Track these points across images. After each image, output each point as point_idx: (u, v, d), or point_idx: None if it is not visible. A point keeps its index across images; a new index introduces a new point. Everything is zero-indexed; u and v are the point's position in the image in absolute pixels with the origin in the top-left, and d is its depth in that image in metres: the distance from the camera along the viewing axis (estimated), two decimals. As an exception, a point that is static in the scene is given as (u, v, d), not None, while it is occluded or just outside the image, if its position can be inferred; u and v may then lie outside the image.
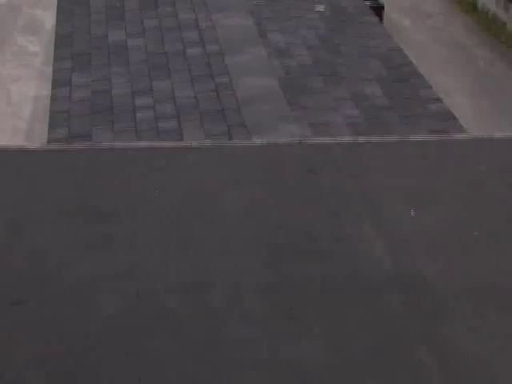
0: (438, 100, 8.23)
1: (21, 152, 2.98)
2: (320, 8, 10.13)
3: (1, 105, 16.94)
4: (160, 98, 7.60)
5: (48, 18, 20.26)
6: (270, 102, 7.46)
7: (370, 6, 14.21)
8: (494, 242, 2.65)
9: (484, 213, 2.76)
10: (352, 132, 7.21)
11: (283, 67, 8.29)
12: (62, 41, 8.99)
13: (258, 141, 3.53)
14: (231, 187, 3.09)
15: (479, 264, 2.59)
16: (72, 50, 8.68)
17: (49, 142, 6.88)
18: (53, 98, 7.85)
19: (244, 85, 7.67)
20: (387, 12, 21.23)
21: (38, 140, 13.32)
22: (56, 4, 10.08)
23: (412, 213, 2.74)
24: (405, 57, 9.29)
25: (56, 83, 8.13)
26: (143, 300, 2.39)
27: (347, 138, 4.04)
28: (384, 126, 7.50)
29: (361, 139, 3.40)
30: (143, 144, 3.21)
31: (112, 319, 2.30)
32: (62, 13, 9.67)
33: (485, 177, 2.90)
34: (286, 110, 7.32)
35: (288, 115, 7.25)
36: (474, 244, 2.69)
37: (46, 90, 12.49)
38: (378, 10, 19.80)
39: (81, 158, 2.92)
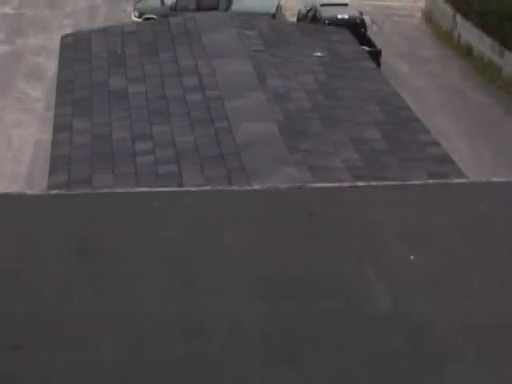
0: (437, 144, 8.30)
1: (20, 197, 2.98)
2: (318, 53, 10.28)
3: (1, 149, 17.05)
4: (160, 143, 7.65)
5: (50, 65, 20.55)
6: (269, 146, 7.51)
7: (368, 51, 14.44)
8: (494, 282, 2.64)
9: (484, 253, 2.76)
10: (351, 176, 7.24)
11: (282, 112, 8.36)
12: (64, 87, 9.09)
13: (257, 185, 3.55)
14: (230, 229, 3.08)
15: (480, 304, 2.57)
16: (73, 95, 8.77)
17: (49, 187, 6.90)
18: (53, 143, 7.90)
19: (243, 129, 7.73)
20: (384, 57, 21.57)
21: (38, 185, 13.38)
22: (58, 51, 10.21)
23: (412, 257, 2.74)
24: (402, 101, 9.39)
25: (57, 128, 8.20)
26: (141, 341, 2.37)
27: (347, 183, 4.06)
28: (383, 169, 7.54)
29: (360, 183, 3.42)
30: (143, 189, 3.23)
31: (109, 362, 2.28)
32: (64, 59, 9.79)
33: (484, 217, 2.90)
34: (286, 154, 7.36)
35: (287, 159, 7.28)
36: (474, 284, 2.67)
37: (47, 135, 12.59)
38: (376, 55, 20.13)
39: (81, 204, 2.92)
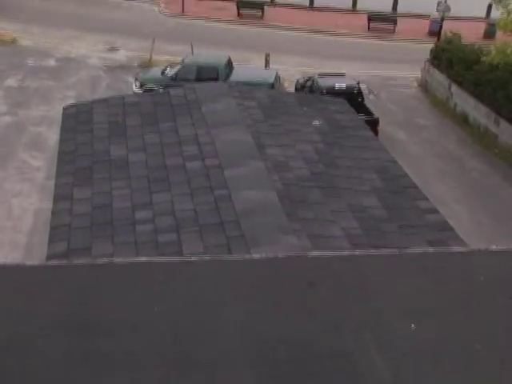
0: (435, 211, 8.32)
1: (19, 268, 2.97)
2: (316, 123, 10.42)
3: (1, 219, 17.08)
4: (160, 211, 7.67)
5: (51, 135, 20.82)
6: (268, 214, 7.52)
7: (365, 120, 14.65)
8: (496, 354, 2.61)
9: (485, 325, 2.73)
10: (351, 244, 7.23)
11: (281, 180, 8.41)
12: (65, 156, 9.17)
13: (257, 254, 3.54)
14: (231, 301, 3.07)
15: (481, 378, 2.53)
16: (74, 165, 8.84)
17: (48, 257, 6.88)
18: (53, 212, 7.91)
19: (243, 197, 7.76)
20: (382, 125, 21.86)
21: (38, 254, 13.33)
22: (60, 121, 10.36)
23: (412, 326, 2.71)
24: (401, 169, 9.46)
25: (57, 197, 8.23)
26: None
27: (346, 252, 4.06)
28: (382, 237, 7.53)
29: (359, 252, 3.42)
30: (142, 259, 3.22)
31: None
32: (66, 130, 9.92)
33: (484, 288, 2.89)
34: (285, 223, 7.36)
35: (287, 227, 7.29)
36: (475, 357, 2.64)
37: (47, 204, 12.63)
38: (373, 124, 20.42)
39: (80, 274, 2.91)
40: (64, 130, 9.97)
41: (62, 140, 9.67)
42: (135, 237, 7.26)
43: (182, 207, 7.71)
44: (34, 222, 16.73)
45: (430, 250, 3.55)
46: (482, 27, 34.56)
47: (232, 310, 2.89)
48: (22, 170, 19.61)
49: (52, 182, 8.93)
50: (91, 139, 9.40)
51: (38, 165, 19.79)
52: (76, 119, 10.08)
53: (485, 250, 3.32)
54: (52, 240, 7.38)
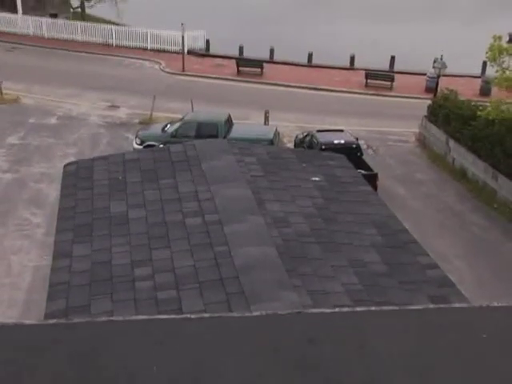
0: (436, 266, 8.29)
1: (17, 327, 2.95)
2: (316, 178, 10.47)
3: (0, 276, 16.99)
4: (159, 268, 7.64)
5: (52, 192, 20.92)
6: (268, 270, 7.50)
7: (364, 175, 14.73)
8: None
9: (488, 383, 2.70)
10: (351, 300, 7.18)
11: (281, 235, 8.41)
12: (65, 213, 9.19)
13: (256, 312, 3.52)
14: (230, 360, 3.03)
15: None
16: (74, 221, 8.85)
17: (46, 315, 6.83)
18: (53, 269, 7.88)
19: (243, 253, 7.74)
20: (381, 180, 21.98)
21: (36, 311, 13.21)
22: (61, 179, 10.42)
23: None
24: (400, 224, 9.47)
25: (57, 254, 8.21)
26: None
27: (346, 308, 4.03)
28: (383, 293, 7.49)
29: (360, 309, 3.39)
30: (141, 317, 3.20)
31: None
32: (66, 187, 9.97)
33: (486, 345, 2.86)
34: (285, 278, 7.33)
35: (287, 283, 7.25)
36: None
37: (47, 261, 12.60)
38: (372, 179, 20.54)
39: (78, 333, 2.89)
40: (64, 186, 10.02)
41: (63, 197, 9.71)
42: (134, 294, 7.21)
43: (181, 264, 7.68)
44: (32, 279, 16.65)
45: (431, 306, 3.53)
46: (477, 84, 35.10)
47: (232, 370, 2.85)
48: (21, 227, 19.62)
49: (52, 239, 8.92)
50: (91, 196, 9.43)
51: (38, 221, 19.81)
52: (76, 176, 10.14)
53: (486, 307, 3.29)
54: (51, 298, 7.33)
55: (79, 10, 45.73)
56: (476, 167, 23.97)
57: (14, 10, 44.77)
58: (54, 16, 44.53)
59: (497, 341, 2.84)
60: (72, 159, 21.83)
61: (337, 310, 3.58)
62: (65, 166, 10.87)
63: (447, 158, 26.16)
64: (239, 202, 8.98)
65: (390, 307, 3.53)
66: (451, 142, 25.72)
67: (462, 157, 24.98)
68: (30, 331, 2.87)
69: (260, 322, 3.41)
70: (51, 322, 2.85)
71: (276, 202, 9.37)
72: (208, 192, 9.20)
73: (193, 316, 3.35)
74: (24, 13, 44.38)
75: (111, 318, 3.36)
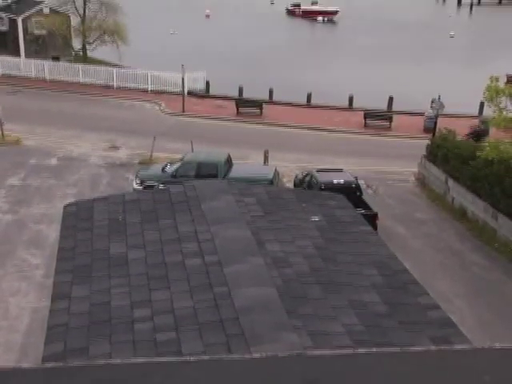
0: (437, 307, 8.23)
1: (14, 372, 2.92)
2: (315, 218, 10.47)
3: (-2, 318, 16.88)
4: (158, 309, 7.59)
5: (51, 233, 20.91)
6: (268, 311, 7.44)
7: (364, 215, 14.74)
8: None
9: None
10: (352, 341, 7.12)
11: (281, 276, 8.37)
12: (64, 254, 9.17)
13: (256, 354, 3.49)
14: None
15: None
16: (73, 263, 8.82)
17: (44, 359, 6.75)
18: (51, 311, 7.83)
19: (242, 294, 7.70)
20: (381, 219, 21.97)
21: (33, 354, 13.08)
22: (61, 219, 10.42)
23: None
24: (401, 264, 9.43)
25: (55, 296, 8.16)
26: None
27: (347, 350, 4.00)
28: (384, 334, 7.43)
29: (361, 350, 3.36)
30: (140, 360, 3.17)
31: None
32: (66, 228, 9.96)
33: (490, 388, 2.83)
34: (285, 319, 7.28)
35: (287, 324, 7.20)
36: None
37: (45, 303, 12.52)
38: (372, 218, 20.54)
39: (76, 376, 2.86)
40: (64, 227, 10.02)
41: (62, 237, 9.69)
42: (133, 336, 7.15)
43: (181, 305, 7.64)
44: (30, 321, 16.52)
45: (433, 348, 3.50)
46: (475, 124, 35.33)
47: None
48: (20, 268, 19.54)
49: (50, 280, 8.89)
50: (91, 237, 9.42)
51: (37, 262, 19.74)
52: (76, 217, 10.14)
53: (488, 348, 3.26)
54: (48, 340, 7.27)
55: (81, 52, 46.31)
56: (476, 206, 23.99)
57: (17, 54, 45.38)
58: (57, 59, 45.11)
59: (499, 383, 2.81)
60: (72, 200, 21.85)
61: (337, 351, 3.55)
62: (65, 206, 10.88)
63: (447, 197, 26.20)
64: (239, 242, 8.97)
65: (391, 348, 3.50)
66: (450, 182, 25.80)
67: (461, 196, 25.03)
68: (27, 376, 2.85)
69: (260, 365, 3.38)
70: (48, 366, 2.82)
71: (276, 242, 9.35)
72: (208, 232, 9.19)
73: (192, 359, 3.32)
74: (27, 56, 44.99)
75: (109, 361, 3.33)
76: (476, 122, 33.14)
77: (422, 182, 28.40)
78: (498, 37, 66.71)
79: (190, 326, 7.23)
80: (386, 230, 22.12)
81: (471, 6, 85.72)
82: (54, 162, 29.17)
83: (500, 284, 19.96)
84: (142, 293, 7.95)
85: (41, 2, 47.00)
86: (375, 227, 20.31)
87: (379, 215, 22.11)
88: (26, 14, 45.64)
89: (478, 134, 30.85)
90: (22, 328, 16.48)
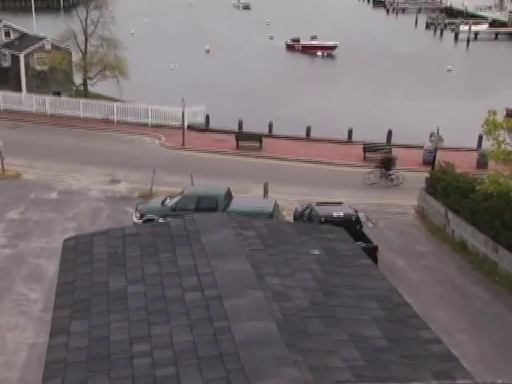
0: (439, 341, 8.17)
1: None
2: (315, 251, 10.45)
3: (-5, 353, 16.71)
4: (158, 344, 7.53)
5: (51, 267, 20.84)
6: (268, 345, 7.39)
7: (364, 248, 14.71)
8: None
9: None
10: (353, 375, 7.06)
11: (281, 310, 8.33)
12: (63, 288, 9.13)
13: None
14: None
15: None
16: (72, 297, 8.78)
17: (41, 396, 6.69)
18: (49, 347, 7.77)
19: (242, 328, 7.65)
20: (381, 252, 21.92)
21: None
22: (60, 253, 10.40)
23: None
24: (401, 297, 9.39)
25: (54, 331, 8.11)
26: None
27: (348, 384, 3.99)
28: (385, 368, 7.36)
29: (361, 385, 3.34)
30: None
31: None
32: (66, 262, 9.94)
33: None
34: (286, 354, 7.22)
35: (287, 359, 7.14)
36: None
37: (43, 338, 12.43)
38: (372, 251, 20.49)
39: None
40: (63, 261, 10.00)
41: (61, 272, 9.67)
42: (132, 371, 7.09)
43: (180, 339, 7.59)
44: (28, 356, 16.37)
45: (434, 382, 3.47)
46: (474, 157, 35.51)
47: None
48: (18, 303, 19.43)
49: (49, 315, 8.84)
50: (90, 271, 9.40)
51: (36, 297, 19.64)
52: (76, 251, 10.13)
53: (491, 383, 3.24)
54: (46, 376, 7.20)
55: (82, 87, 46.71)
56: (476, 239, 23.96)
57: (18, 89, 45.76)
58: (58, 94, 45.48)
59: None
60: (72, 233, 21.83)
61: (338, 387, 3.53)
62: (64, 240, 10.87)
63: (447, 230, 26.18)
64: (239, 276, 8.94)
65: (393, 383, 3.48)
66: (450, 215, 25.80)
67: (461, 229, 25.01)
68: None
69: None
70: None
71: (276, 275, 9.33)
72: (207, 266, 9.17)
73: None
74: (28, 91, 45.37)
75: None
76: (384, 152, 34.40)
77: (421, 214, 28.40)
78: (495, 71, 67.40)
79: (189, 361, 7.18)
80: (386, 263, 22.06)
81: (468, 40, 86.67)
82: (53, 195, 29.21)
83: (501, 317, 19.83)
84: (142, 327, 7.91)
85: (43, 39, 47.52)
86: (375, 260, 20.27)
87: (379, 248, 22.07)
88: (29, 50, 46.14)
89: (387, 162, 31.81)
90: (20, 363, 16.32)
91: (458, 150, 37.23)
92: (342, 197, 27.85)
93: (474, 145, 38.20)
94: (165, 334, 7.72)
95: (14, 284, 20.75)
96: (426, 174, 28.67)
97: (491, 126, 21.75)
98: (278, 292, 8.82)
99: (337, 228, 12.10)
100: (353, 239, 11.82)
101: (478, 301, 20.96)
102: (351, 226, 20.93)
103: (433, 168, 28.73)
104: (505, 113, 40.92)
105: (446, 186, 26.02)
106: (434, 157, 29.39)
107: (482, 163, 34.07)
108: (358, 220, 23.63)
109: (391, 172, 31.92)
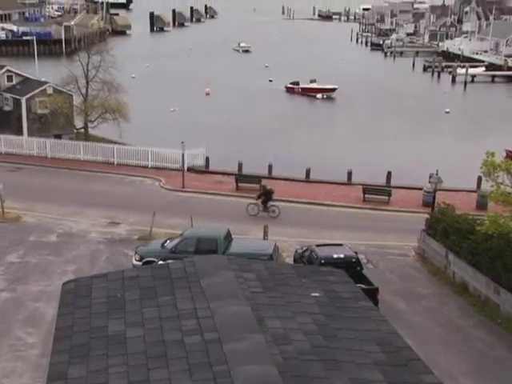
0: (441, 385, 8.07)
1: None
2: (315, 294, 10.40)
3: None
4: (157, 390, 7.44)
5: (49, 310, 20.64)
6: (269, 390, 7.30)
7: (364, 290, 14.60)
8: None
9: None
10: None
11: (282, 353, 8.25)
12: (61, 332, 9.05)
13: None
14: None
15: None
16: (71, 342, 8.70)
17: None
18: (47, 393, 7.67)
19: (242, 372, 7.56)
20: (381, 294, 21.75)
21: None
22: (59, 297, 10.33)
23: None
24: (403, 340, 9.30)
25: (51, 376, 8.01)
26: None
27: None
28: (388, 413, 7.25)
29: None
30: None
31: None
32: (64, 306, 9.87)
33: None
34: (286, 399, 7.13)
35: (288, 404, 7.04)
36: None
37: (40, 383, 12.24)
38: (373, 293, 20.34)
39: None
40: (62, 305, 9.93)
41: (60, 316, 9.59)
42: (130, 417, 6.98)
43: (179, 384, 7.48)
44: (25, 402, 16.10)
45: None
46: (473, 198, 35.51)
47: None
48: (15, 348, 19.19)
49: (47, 360, 8.73)
50: (89, 315, 9.33)
51: (33, 341, 19.41)
52: (75, 294, 10.07)
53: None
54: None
55: (83, 130, 47.00)
56: (477, 281, 23.81)
57: (19, 132, 46.02)
58: (58, 137, 45.72)
59: None
60: (71, 276, 21.69)
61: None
62: (63, 284, 10.82)
63: (447, 271, 26.04)
64: (239, 319, 8.87)
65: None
66: (451, 256, 25.69)
67: (462, 270, 24.87)
68: None
69: None
70: None
71: (276, 318, 9.25)
72: (207, 309, 9.11)
73: None
74: (29, 134, 45.60)
75: None
76: (264, 184, 34.97)
77: (422, 256, 28.29)
78: (493, 113, 67.94)
79: (188, 407, 7.07)
80: (387, 305, 21.88)
81: (465, 83, 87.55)
82: (53, 238, 29.13)
83: (505, 361, 19.58)
84: (140, 372, 7.81)
85: (45, 83, 47.99)
86: (376, 302, 20.11)
87: (380, 290, 21.92)
88: (30, 94, 46.55)
89: (266, 194, 32.49)
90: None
91: (457, 191, 37.26)
92: (341, 238, 27.78)
93: (474, 186, 38.25)
94: (164, 379, 7.63)
95: (11, 328, 20.53)
96: (426, 216, 28.65)
97: (490, 168, 21.82)
98: (278, 335, 8.74)
99: (337, 270, 12.05)
100: (353, 281, 11.76)
101: (481, 343, 20.72)
102: (351, 267, 20.82)
103: (432, 209, 28.72)
104: (504, 154, 41.10)
105: (446, 227, 25.98)
106: (434, 198, 29.41)
107: (481, 204, 34.06)
108: (358, 262, 23.53)
109: (269, 204, 32.68)
